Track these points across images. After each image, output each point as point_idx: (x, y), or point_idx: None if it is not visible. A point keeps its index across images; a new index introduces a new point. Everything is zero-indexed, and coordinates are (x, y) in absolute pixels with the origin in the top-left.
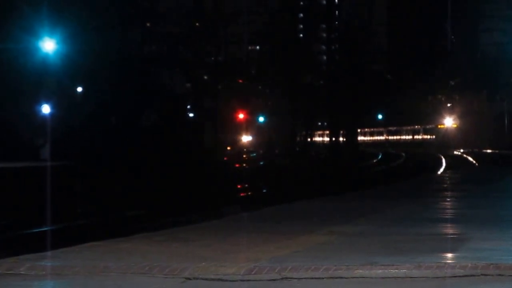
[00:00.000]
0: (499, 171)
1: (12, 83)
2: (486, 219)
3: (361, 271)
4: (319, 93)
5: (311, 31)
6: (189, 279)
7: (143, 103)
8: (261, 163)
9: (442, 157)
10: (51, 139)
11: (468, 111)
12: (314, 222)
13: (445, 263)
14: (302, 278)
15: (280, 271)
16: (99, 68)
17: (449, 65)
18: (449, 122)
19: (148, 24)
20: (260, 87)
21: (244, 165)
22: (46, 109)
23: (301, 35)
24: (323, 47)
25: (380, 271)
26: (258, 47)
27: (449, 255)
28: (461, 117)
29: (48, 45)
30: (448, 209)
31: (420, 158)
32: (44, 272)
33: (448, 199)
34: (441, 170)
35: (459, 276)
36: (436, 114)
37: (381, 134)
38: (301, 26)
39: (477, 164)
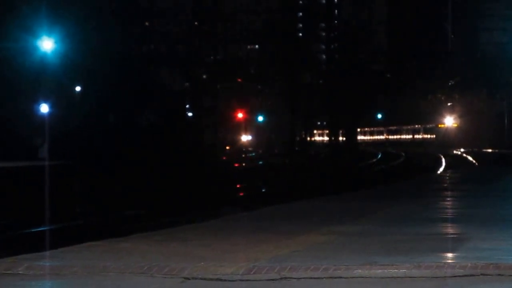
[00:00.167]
0: (499, 170)
1: (10, 82)
2: (486, 218)
3: (360, 271)
4: (319, 92)
5: (311, 30)
6: (188, 279)
7: (142, 102)
8: (260, 162)
9: (442, 156)
10: (49, 138)
11: (468, 111)
12: (314, 222)
13: (445, 263)
14: (301, 278)
15: (279, 271)
16: (98, 67)
17: (449, 65)
18: (449, 121)
19: (147, 23)
20: (259, 86)
21: (244, 164)
22: (44, 108)
23: (301, 34)
24: (323, 46)
25: (380, 271)
26: (257, 46)
27: (449, 255)
28: (462, 116)
29: (47, 44)
30: (447, 208)
31: (420, 158)
32: (42, 272)
33: (448, 199)
34: (441, 169)
35: (459, 276)
36: (436, 113)
37: (381, 133)
38: (301, 25)
39: (477, 164)
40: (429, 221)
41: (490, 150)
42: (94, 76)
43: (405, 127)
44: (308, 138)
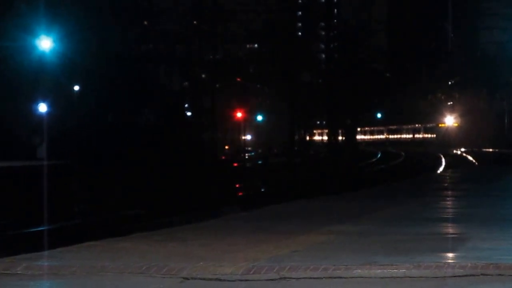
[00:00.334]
0: (499, 170)
1: (8, 82)
2: (486, 218)
3: (360, 271)
4: (318, 91)
5: (310, 30)
6: (187, 279)
7: (141, 102)
8: (259, 162)
9: (442, 156)
10: (48, 138)
11: (469, 110)
12: (313, 222)
13: (445, 262)
14: (300, 278)
15: (279, 270)
16: (97, 66)
17: (449, 64)
18: (450, 121)
19: (145, 23)
20: (258, 85)
21: (243, 164)
22: (43, 107)
23: (300, 33)
24: (322, 45)
25: (379, 271)
26: (256, 46)
27: (449, 254)
28: (462, 116)
29: (45, 43)
30: (447, 208)
31: (420, 157)
32: (41, 272)
33: (448, 199)
34: (441, 169)
35: (459, 276)
36: (437, 113)
37: (381, 133)
38: (300, 25)
39: (476, 163)
40: (429, 221)
41: (490, 150)
42: (93, 76)
43: (405, 127)
44: (308, 138)
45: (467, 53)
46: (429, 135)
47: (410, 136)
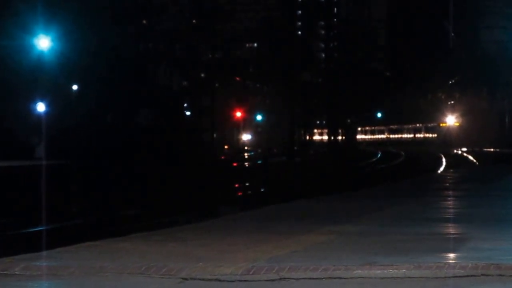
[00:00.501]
0: (500, 170)
1: (6, 81)
2: (487, 218)
3: (360, 271)
4: (318, 91)
5: (310, 29)
6: (186, 279)
7: (139, 101)
8: (259, 162)
9: (443, 156)
10: (46, 137)
11: (470, 110)
12: (313, 222)
13: (445, 263)
14: (300, 279)
15: (278, 271)
16: (95, 66)
17: (449, 63)
18: (451, 120)
19: (144, 22)
20: (258, 85)
21: (243, 163)
22: (41, 107)
23: (300, 32)
24: (322, 44)
25: (379, 271)
26: (256, 45)
27: (450, 255)
28: (464, 115)
29: (43, 43)
30: (448, 208)
31: (421, 157)
32: (39, 273)
33: (449, 198)
34: (441, 169)
35: (460, 277)
36: (438, 112)
37: (382, 132)
38: (300, 24)
39: (477, 163)
40: (430, 221)
41: (491, 150)
42: (92, 75)
43: (406, 126)
44: (308, 137)
45: (467, 52)
46: (430, 135)
47: (411, 135)
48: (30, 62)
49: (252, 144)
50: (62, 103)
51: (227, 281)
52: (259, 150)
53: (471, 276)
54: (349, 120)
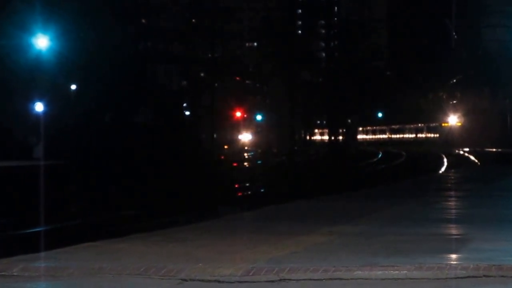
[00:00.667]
0: (502, 170)
1: (4, 81)
2: (489, 219)
3: (360, 272)
4: (318, 90)
5: (310, 28)
6: (186, 280)
7: (138, 100)
8: (259, 162)
9: (444, 156)
10: (44, 137)
11: (472, 109)
12: (313, 222)
13: (447, 264)
14: (300, 280)
15: (278, 272)
16: (94, 65)
17: (451, 62)
18: (453, 120)
19: (143, 21)
20: (258, 84)
21: (242, 163)
22: (39, 107)
23: (300, 31)
24: (322, 44)
25: (380, 272)
26: (256, 44)
27: (451, 256)
28: (466, 115)
29: (42, 42)
30: (449, 208)
31: (422, 158)
32: (37, 274)
33: (450, 199)
34: (443, 169)
35: (461, 277)
36: (440, 112)
37: (383, 132)
38: (300, 23)
39: (479, 163)
40: (431, 221)
41: (493, 150)
42: (90, 75)
43: (408, 126)
44: (308, 137)
45: (469, 51)
46: (432, 135)
47: (413, 135)
48: (29, 62)
49: (252, 144)
50: (61, 102)
51: (227, 282)
52: (259, 150)
53: (473, 277)
54: (349, 120)
